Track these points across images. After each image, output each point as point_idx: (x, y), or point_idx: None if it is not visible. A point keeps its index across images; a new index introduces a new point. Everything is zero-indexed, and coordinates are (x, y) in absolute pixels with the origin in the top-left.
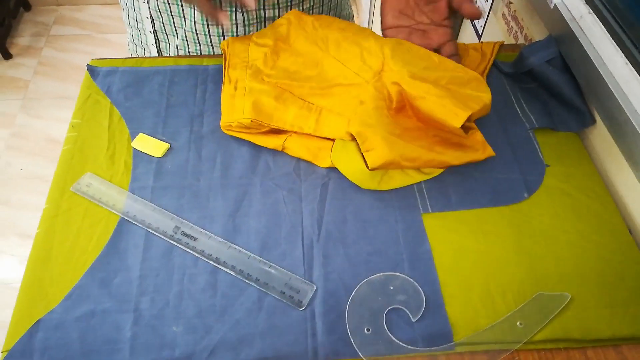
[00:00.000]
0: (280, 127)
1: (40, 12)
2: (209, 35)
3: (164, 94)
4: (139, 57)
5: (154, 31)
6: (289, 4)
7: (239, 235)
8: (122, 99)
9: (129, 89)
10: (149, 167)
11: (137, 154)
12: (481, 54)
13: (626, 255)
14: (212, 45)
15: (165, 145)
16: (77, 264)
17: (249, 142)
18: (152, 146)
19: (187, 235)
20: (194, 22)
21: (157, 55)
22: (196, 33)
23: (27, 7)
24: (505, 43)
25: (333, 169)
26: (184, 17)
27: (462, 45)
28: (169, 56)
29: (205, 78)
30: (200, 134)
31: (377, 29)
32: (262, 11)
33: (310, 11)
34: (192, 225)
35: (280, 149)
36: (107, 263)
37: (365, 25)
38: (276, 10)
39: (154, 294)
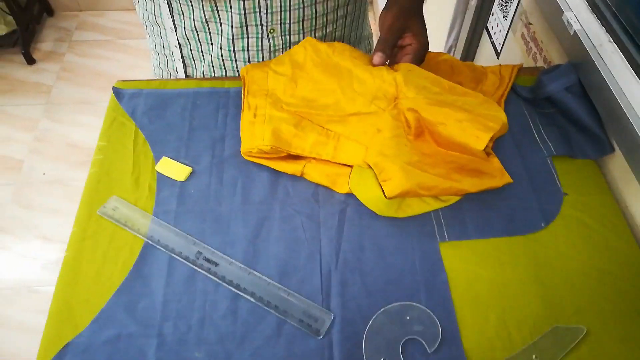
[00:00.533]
0: (299, 154)
1: (63, 18)
2: (235, 61)
3: (186, 117)
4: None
5: (182, 57)
6: (314, 28)
7: (258, 260)
8: (146, 122)
9: (152, 112)
10: (172, 191)
11: (161, 178)
12: (500, 78)
13: None
14: (237, 70)
15: (188, 170)
16: (104, 288)
17: (268, 167)
18: (175, 170)
19: (208, 261)
20: (221, 48)
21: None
22: (222, 59)
23: (50, 13)
24: (523, 65)
25: (351, 195)
26: (211, 44)
27: (481, 68)
28: (191, 78)
29: (226, 101)
30: (221, 158)
31: None
32: (287, 37)
33: (333, 34)
34: (213, 250)
35: (299, 175)
36: (132, 287)
37: None
38: (301, 35)
39: (176, 319)
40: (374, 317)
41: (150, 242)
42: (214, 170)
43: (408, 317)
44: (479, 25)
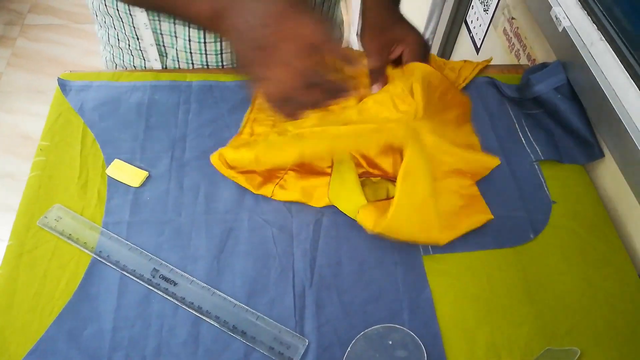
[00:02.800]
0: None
1: None
2: (205, 54)
3: (142, 114)
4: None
5: (139, 50)
6: None
7: (223, 278)
8: (96, 119)
9: (104, 107)
10: (125, 198)
11: (112, 183)
12: (457, 76)
13: (637, 305)
14: (207, 65)
15: (144, 174)
16: (43, 313)
17: None
18: (128, 174)
19: (166, 280)
20: (189, 40)
21: None
22: (190, 52)
23: None
24: (507, 62)
25: None
26: (176, 36)
27: (441, 62)
28: (148, 70)
29: (188, 96)
30: (182, 161)
31: None
32: None
33: None
34: (172, 267)
35: (269, 196)
36: (77, 311)
37: (354, 28)
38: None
39: (128, 349)
40: (353, 342)
41: (98, 258)
42: (174, 175)
43: (390, 342)
44: (458, 18)
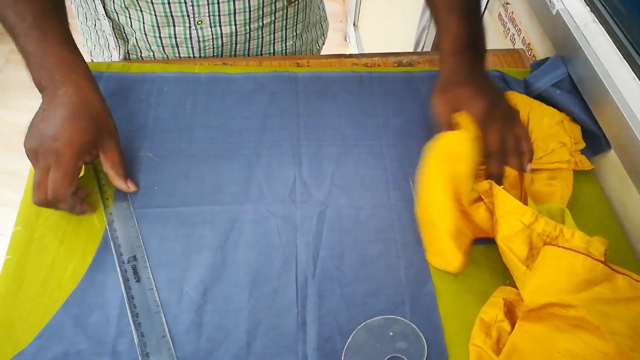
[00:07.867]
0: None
1: None
2: (162, 46)
3: (151, 105)
4: (113, 61)
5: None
6: (248, 21)
7: (227, 268)
8: None
9: (113, 98)
10: None
11: None
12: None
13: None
14: (165, 54)
15: None
16: (51, 299)
17: (241, 163)
18: None
19: (134, 272)
20: (145, 34)
21: (117, 57)
22: (148, 42)
23: None
24: (501, 47)
25: (331, 195)
26: (133, 29)
27: None
28: (159, 60)
29: (196, 88)
30: (189, 152)
31: (362, 22)
32: (217, 28)
33: (272, 25)
34: (147, 264)
35: None
36: (83, 298)
37: (351, 18)
38: (233, 27)
39: (133, 335)
40: (354, 332)
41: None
42: (180, 166)
43: (391, 333)
44: None
